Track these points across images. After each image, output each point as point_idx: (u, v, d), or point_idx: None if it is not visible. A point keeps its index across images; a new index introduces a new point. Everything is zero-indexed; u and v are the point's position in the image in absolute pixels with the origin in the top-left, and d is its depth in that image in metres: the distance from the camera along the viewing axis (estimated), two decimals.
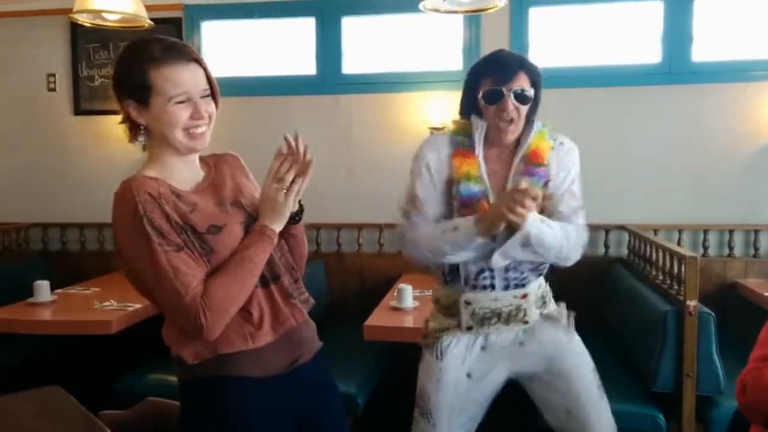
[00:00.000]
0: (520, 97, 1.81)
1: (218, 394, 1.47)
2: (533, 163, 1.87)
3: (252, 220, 1.51)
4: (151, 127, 1.46)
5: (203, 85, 1.47)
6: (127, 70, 1.44)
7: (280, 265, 1.55)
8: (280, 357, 1.52)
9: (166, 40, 1.46)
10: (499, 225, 1.74)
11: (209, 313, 1.38)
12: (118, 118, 1.52)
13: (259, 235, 1.46)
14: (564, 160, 1.90)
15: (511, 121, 1.82)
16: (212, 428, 1.47)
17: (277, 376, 1.51)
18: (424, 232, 1.88)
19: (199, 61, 1.47)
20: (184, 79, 1.44)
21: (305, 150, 1.45)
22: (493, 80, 1.81)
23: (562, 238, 1.82)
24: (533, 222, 1.73)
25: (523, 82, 1.81)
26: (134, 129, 1.50)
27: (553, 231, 1.80)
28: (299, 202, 1.52)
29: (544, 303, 1.98)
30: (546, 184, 1.87)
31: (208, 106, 1.48)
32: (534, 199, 1.66)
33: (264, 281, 1.51)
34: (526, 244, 1.77)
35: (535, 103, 1.86)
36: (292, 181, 1.45)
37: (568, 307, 2.04)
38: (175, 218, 1.41)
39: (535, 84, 1.85)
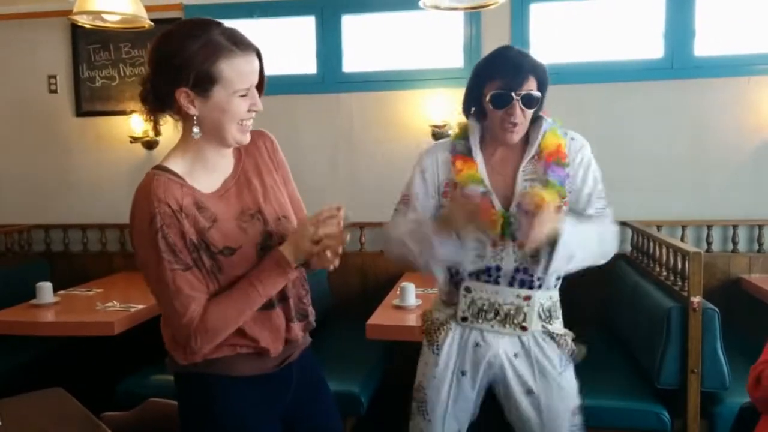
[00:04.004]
0: (528, 101, 1.76)
1: (205, 388, 1.49)
2: (555, 161, 1.81)
3: (269, 237, 1.49)
4: (205, 117, 1.41)
5: (257, 76, 1.44)
6: (191, 58, 1.36)
7: (288, 286, 1.53)
8: (268, 360, 1.52)
9: (225, 28, 1.40)
10: (452, 229, 1.73)
11: (201, 337, 1.40)
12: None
13: (276, 266, 1.43)
14: (577, 157, 1.85)
15: (517, 124, 1.78)
16: (201, 419, 1.51)
17: (264, 375, 1.52)
18: (398, 224, 1.86)
19: (258, 51, 1.43)
20: (251, 71, 1.41)
21: (344, 228, 1.42)
22: (501, 83, 1.75)
23: (599, 240, 1.79)
24: (569, 232, 1.69)
25: (531, 85, 1.76)
26: (156, 113, 1.45)
27: (588, 234, 1.76)
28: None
29: (550, 318, 1.90)
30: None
31: (259, 98, 1.46)
32: (557, 209, 1.64)
33: (269, 304, 1.49)
34: (570, 255, 1.73)
35: (540, 102, 1.81)
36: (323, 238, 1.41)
37: (575, 329, 1.96)
38: (191, 236, 1.40)
39: (542, 85, 1.79)
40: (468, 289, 1.87)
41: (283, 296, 1.52)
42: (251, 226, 1.48)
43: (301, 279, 1.60)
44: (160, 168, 1.44)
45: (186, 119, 1.44)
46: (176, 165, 1.45)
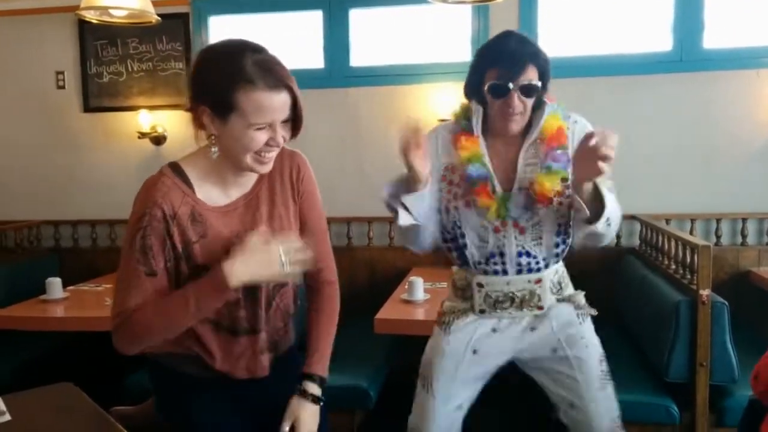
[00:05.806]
0: (527, 91, 1.74)
1: (160, 374, 1.58)
2: (556, 147, 1.79)
3: None
4: (222, 139, 1.39)
5: (287, 112, 1.37)
6: (214, 80, 1.34)
7: (262, 319, 1.52)
8: (235, 372, 1.52)
9: (261, 56, 1.34)
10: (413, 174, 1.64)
11: (122, 335, 1.42)
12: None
13: (211, 285, 1.36)
14: (581, 138, 1.80)
15: (517, 114, 1.76)
16: (160, 404, 1.60)
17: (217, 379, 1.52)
18: None
19: (290, 88, 1.36)
20: (272, 107, 1.34)
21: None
22: (499, 73, 1.73)
23: (618, 213, 1.78)
24: (608, 192, 1.68)
25: (530, 75, 1.73)
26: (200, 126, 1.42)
27: (614, 200, 1.75)
28: (319, 378, 1.52)
29: (561, 288, 1.94)
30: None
31: (285, 132, 1.40)
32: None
33: (233, 330, 1.49)
34: (609, 217, 1.70)
35: (540, 91, 1.79)
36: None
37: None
38: (175, 242, 1.40)
39: (543, 73, 1.77)
40: (480, 285, 1.89)
41: (252, 328, 1.51)
42: None
43: (282, 312, 1.57)
44: (174, 168, 1.44)
45: (210, 132, 1.41)
46: (193, 169, 1.44)
